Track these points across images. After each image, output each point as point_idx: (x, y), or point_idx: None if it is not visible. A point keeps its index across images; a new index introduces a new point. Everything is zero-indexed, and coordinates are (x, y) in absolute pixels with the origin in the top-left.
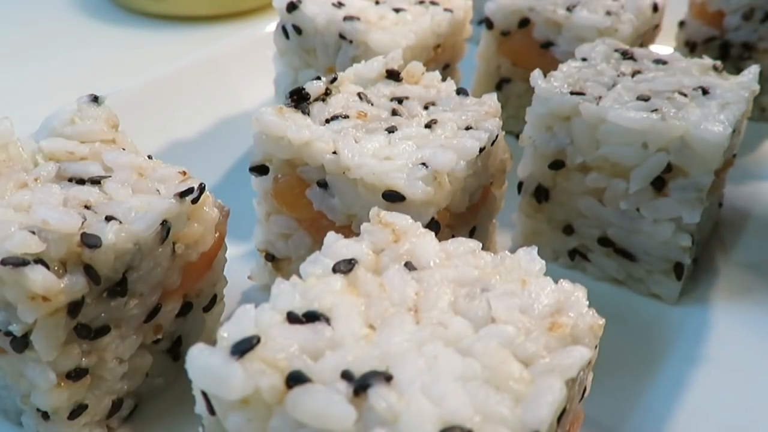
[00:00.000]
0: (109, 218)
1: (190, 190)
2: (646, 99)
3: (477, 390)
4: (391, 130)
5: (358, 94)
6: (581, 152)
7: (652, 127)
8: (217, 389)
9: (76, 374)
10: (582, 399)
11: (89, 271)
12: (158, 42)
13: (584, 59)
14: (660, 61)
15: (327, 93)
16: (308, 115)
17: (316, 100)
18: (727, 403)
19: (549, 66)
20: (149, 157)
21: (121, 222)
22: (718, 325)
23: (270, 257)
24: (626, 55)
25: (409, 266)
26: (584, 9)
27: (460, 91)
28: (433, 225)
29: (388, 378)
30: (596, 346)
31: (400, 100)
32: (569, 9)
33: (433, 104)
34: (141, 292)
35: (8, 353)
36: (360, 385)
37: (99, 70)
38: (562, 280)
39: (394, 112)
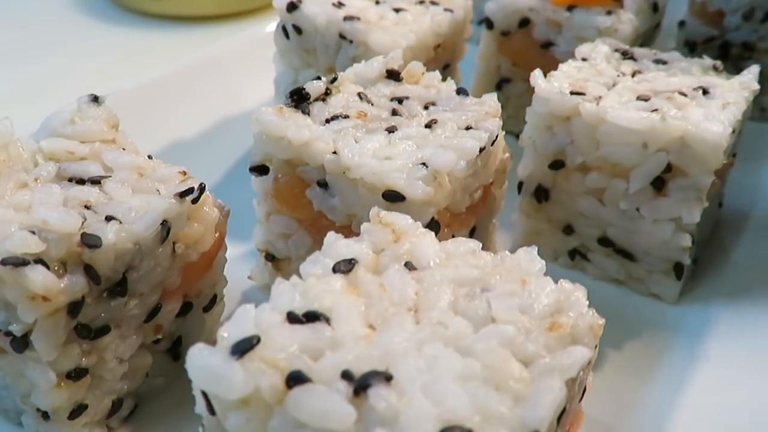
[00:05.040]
0: (109, 218)
1: (190, 190)
2: (646, 99)
3: (477, 390)
4: (391, 130)
5: (358, 94)
6: (581, 152)
7: (652, 127)
8: (217, 389)
9: (76, 374)
10: (582, 399)
11: (89, 271)
12: (158, 42)
13: (584, 59)
14: (660, 61)
15: (327, 93)
16: (308, 115)
17: (316, 100)
18: (727, 403)
19: (549, 66)
20: (149, 157)
21: (121, 222)
22: (718, 325)
23: (270, 257)
24: (626, 55)
25: (409, 266)
26: (584, 9)
27: (460, 91)
28: (433, 225)
29: (388, 378)
30: (596, 346)
31: (400, 100)
32: (569, 9)
33: (433, 104)
34: (141, 292)
35: (8, 353)
36: (360, 385)
37: (99, 70)
38: (562, 280)
39: (394, 112)
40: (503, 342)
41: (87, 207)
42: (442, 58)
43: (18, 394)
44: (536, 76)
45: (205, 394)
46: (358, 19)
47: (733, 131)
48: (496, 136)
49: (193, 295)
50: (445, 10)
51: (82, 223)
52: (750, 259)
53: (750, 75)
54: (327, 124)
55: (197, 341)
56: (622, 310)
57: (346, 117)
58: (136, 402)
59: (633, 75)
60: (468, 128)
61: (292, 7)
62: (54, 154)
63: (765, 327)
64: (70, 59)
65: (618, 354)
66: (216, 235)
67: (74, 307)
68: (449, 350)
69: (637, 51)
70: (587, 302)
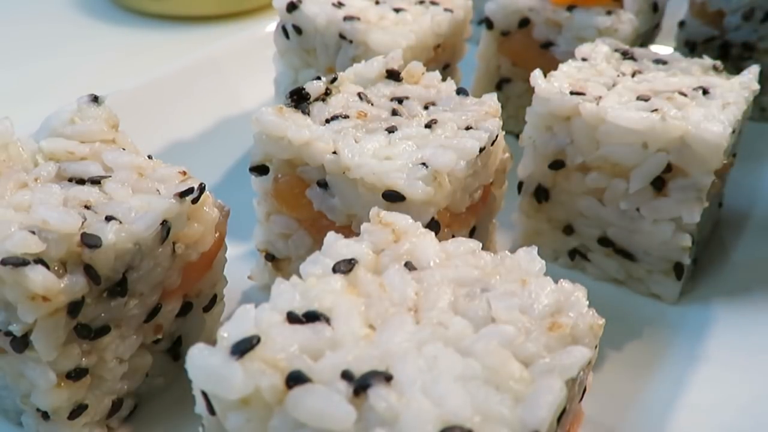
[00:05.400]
0: (109, 218)
1: (190, 190)
2: (646, 99)
3: (477, 390)
4: (391, 130)
5: (358, 94)
6: (581, 152)
7: (652, 127)
8: (217, 389)
9: (76, 374)
10: (582, 399)
11: (89, 271)
12: (158, 42)
13: (584, 59)
14: (660, 61)
15: (327, 93)
16: (308, 115)
17: (316, 100)
18: (727, 403)
19: (549, 66)
20: (149, 157)
21: (121, 222)
22: (718, 325)
23: (270, 257)
24: (626, 55)
25: (409, 266)
26: (584, 9)
27: (460, 91)
28: (433, 225)
29: (388, 378)
30: (596, 346)
31: (400, 100)
32: (569, 9)
33: (433, 104)
34: (141, 292)
35: (8, 353)
36: (360, 385)
37: (99, 70)
38: (562, 280)
39: (394, 112)
40: (503, 342)
41: (87, 207)
42: (442, 58)
43: (18, 394)
44: (536, 76)
45: (205, 394)
46: (358, 19)
47: (733, 131)
48: (496, 136)
49: (193, 295)
50: (445, 10)
51: (82, 223)
52: (750, 259)
53: (750, 75)
54: (327, 124)
55: (197, 341)
56: (622, 310)
57: (346, 117)
58: (136, 402)
59: (633, 75)
60: (468, 128)
61: (292, 7)
62: (54, 154)
63: (765, 327)
64: (70, 59)
65: (618, 354)
66: (216, 235)
67: (74, 307)
68: (449, 350)
69: (637, 51)
70: (587, 302)
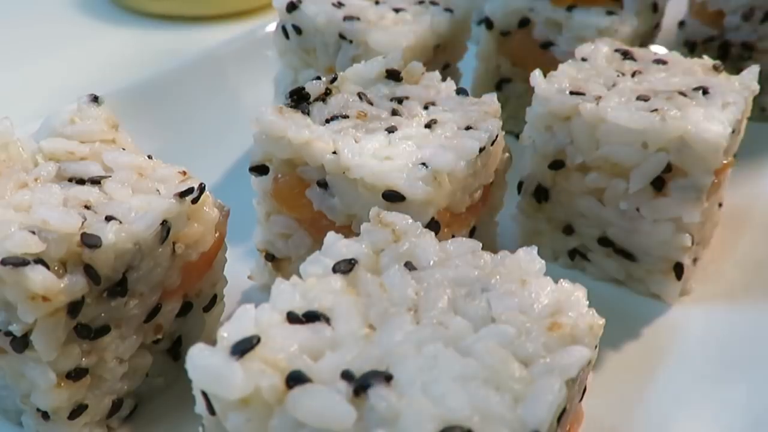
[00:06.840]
0: (109, 218)
1: (190, 190)
2: (646, 99)
3: (477, 390)
4: (391, 130)
5: (358, 94)
6: (581, 152)
7: (652, 127)
8: (217, 389)
9: (76, 374)
10: (582, 399)
11: (89, 271)
12: (158, 42)
13: (584, 59)
14: (660, 61)
15: (327, 93)
16: (308, 115)
17: (316, 100)
18: (727, 402)
19: (549, 66)
20: (149, 157)
21: (121, 222)
22: (718, 325)
23: (270, 257)
24: (626, 55)
25: (409, 266)
26: (584, 9)
27: (460, 91)
28: (433, 225)
29: (388, 378)
30: (596, 346)
31: (400, 100)
32: (569, 9)
33: (433, 104)
34: (141, 292)
35: (8, 353)
36: (360, 385)
37: (99, 70)
38: (562, 280)
39: (394, 112)
40: (503, 342)
41: (87, 207)
42: (442, 58)
43: (18, 394)
44: (536, 76)
45: (205, 394)
46: (358, 19)
47: (733, 131)
48: (496, 136)
49: (193, 295)
50: (445, 10)
51: (82, 223)
52: (750, 259)
53: (750, 75)
54: (327, 124)
55: (197, 341)
56: (622, 310)
57: (346, 117)
58: (136, 402)
59: (633, 75)
60: (468, 128)
61: (292, 7)
62: (54, 154)
63: (765, 327)
64: (70, 59)
65: (618, 354)
66: (216, 235)
67: (74, 307)
68: (449, 350)
69: (637, 51)
70: (587, 302)
